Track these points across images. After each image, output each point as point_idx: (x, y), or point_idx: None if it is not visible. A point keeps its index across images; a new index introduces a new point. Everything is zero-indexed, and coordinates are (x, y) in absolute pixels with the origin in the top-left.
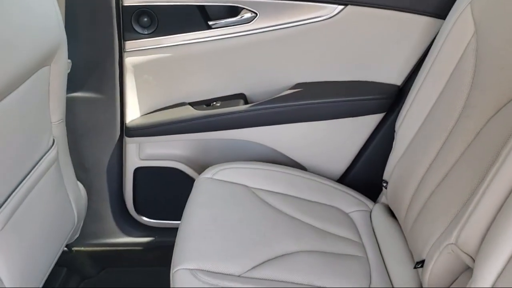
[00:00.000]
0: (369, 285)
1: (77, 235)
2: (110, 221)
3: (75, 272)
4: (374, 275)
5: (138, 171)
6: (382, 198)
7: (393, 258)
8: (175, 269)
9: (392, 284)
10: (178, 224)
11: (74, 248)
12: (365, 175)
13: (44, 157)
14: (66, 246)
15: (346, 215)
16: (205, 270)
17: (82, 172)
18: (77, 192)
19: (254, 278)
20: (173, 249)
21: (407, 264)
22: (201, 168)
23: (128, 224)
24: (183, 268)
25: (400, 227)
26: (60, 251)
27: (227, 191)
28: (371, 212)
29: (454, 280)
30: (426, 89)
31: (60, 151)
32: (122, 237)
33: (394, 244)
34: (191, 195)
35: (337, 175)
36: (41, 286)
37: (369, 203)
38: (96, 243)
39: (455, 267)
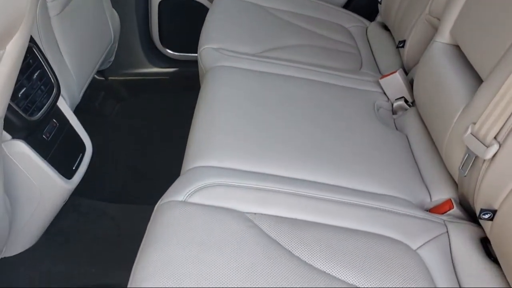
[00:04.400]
0: (360, 68)
1: (112, 58)
2: (139, 53)
3: (111, 96)
4: (364, 63)
5: (162, 5)
6: (378, 18)
7: (380, 53)
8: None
9: (378, 67)
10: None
11: (110, 77)
12: (365, 2)
13: None
14: (103, 75)
15: (345, 29)
16: (225, 49)
17: (114, 3)
18: (112, 13)
19: (264, 56)
20: (194, 79)
21: (392, 53)
22: None
23: (155, 55)
24: (209, 47)
25: (390, 33)
26: (101, 60)
27: (242, 6)
28: (367, 28)
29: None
30: None
31: None
32: (149, 68)
33: (382, 43)
34: (211, 7)
35: (341, 2)
36: (90, 78)
37: (366, 22)
38: (127, 72)
39: (427, 36)
